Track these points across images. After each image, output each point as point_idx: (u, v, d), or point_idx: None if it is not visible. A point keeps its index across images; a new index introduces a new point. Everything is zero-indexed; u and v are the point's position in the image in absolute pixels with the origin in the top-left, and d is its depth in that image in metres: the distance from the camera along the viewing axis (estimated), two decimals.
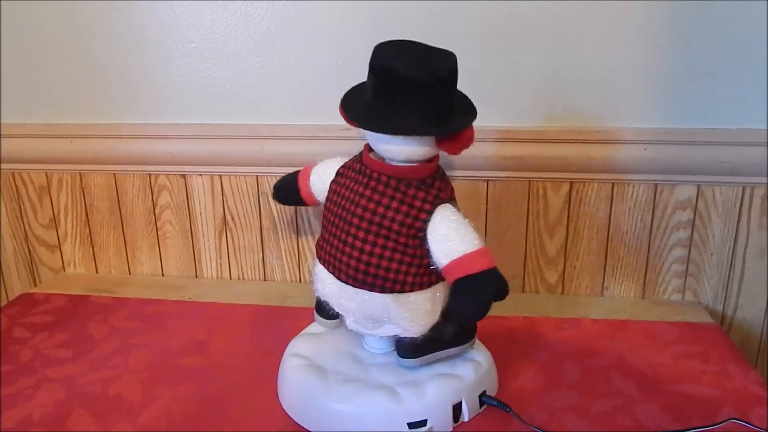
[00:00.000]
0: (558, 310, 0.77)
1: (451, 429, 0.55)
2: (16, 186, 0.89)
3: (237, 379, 0.63)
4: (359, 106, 0.51)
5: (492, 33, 0.74)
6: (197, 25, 0.79)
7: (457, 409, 0.55)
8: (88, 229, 0.90)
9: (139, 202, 0.87)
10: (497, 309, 0.76)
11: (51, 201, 0.89)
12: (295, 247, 0.86)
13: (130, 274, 0.91)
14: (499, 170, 0.77)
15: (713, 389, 0.61)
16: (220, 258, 0.88)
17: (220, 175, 0.84)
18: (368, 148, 0.54)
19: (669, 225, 0.78)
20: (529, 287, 0.83)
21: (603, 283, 0.81)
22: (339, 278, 0.54)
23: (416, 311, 0.54)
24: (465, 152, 0.76)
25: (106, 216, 0.88)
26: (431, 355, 0.56)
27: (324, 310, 0.58)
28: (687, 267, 0.79)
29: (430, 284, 0.53)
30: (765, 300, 0.79)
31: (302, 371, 0.57)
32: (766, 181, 0.74)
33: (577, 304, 0.79)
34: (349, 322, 0.57)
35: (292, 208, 0.84)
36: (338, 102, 0.54)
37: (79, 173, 0.87)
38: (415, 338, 0.55)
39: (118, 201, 0.87)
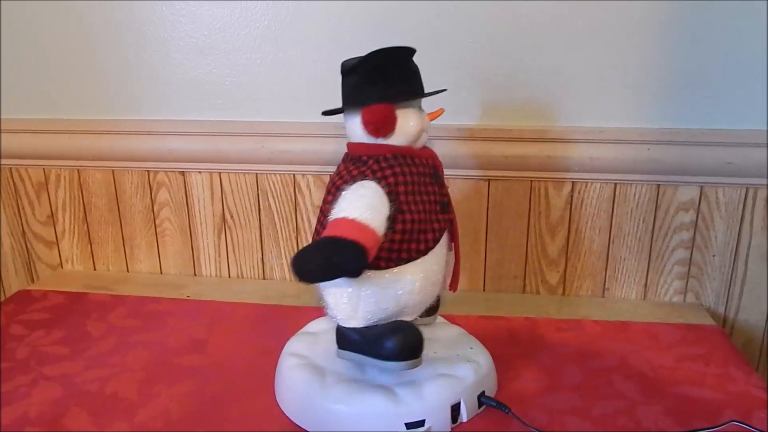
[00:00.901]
0: (559, 311, 0.77)
1: (450, 429, 0.55)
2: (13, 182, 0.88)
3: (235, 378, 0.63)
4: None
5: (494, 32, 0.73)
6: (197, 21, 0.78)
7: (455, 409, 0.55)
8: (86, 226, 0.89)
9: (137, 199, 0.86)
10: (498, 309, 0.77)
11: (49, 197, 0.88)
12: (295, 245, 0.85)
13: (128, 271, 0.90)
14: (500, 170, 0.77)
15: (715, 392, 0.60)
16: (219, 256, 0.87)
17: (220, 173, 0.83)
18: None
19: (671, 226, 0.77)
20: (530, 288, 0.82)
21: (604, 284, 0.81)
22: None
23: (334, 296, 0.52)
24: (466, 151, 0.76)
25: (104, 213, 0.88)
26: (353, 353, 0.54)
27: None
28: (689, 269, 0.79)
29: (394, 263, 0.51)
30: (767, 302, 0.78)
31: (300, 371, 0.57)
32: None
33: (578, 305, 0.79)
34: None
35: (291, 206, 0.83)
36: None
37: (77, 169, 0.86)
38: (348, 330, 0.53)
39: (117, 198, 0.87)
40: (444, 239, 0.55)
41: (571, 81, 0.74)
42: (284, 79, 0.79)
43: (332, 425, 0.53)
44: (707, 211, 0.76)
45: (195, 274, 0.89)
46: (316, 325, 0.65)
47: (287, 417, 0.56)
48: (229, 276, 0.88)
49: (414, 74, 0.54)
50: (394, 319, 0.53)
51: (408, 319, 0.55)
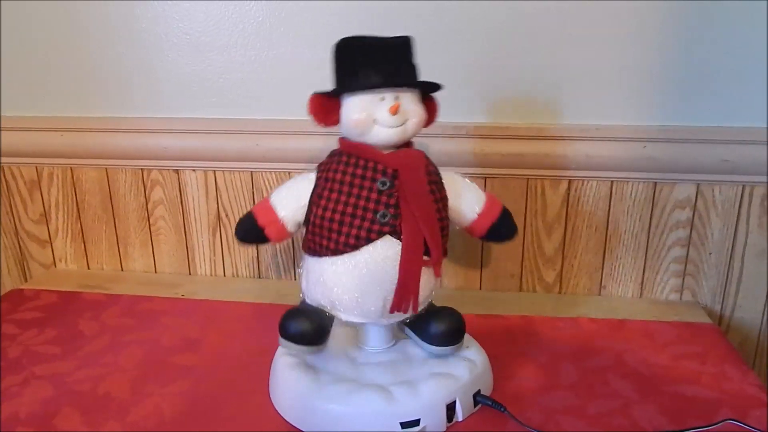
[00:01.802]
0: (555, 310, 0.76)
1: (445, 429, 0.54)
2: (5, 180, 0.88)
3: (230, 377, 0.62)
4: None
5: (492, 30, 0.73)
6: (191, 18, 0.78)
7: (451, 408, 0.54)
8: (79, 225, 0.89)
9: (131, 197, 0.86)
10: (494, 308, 0.77)
11: (42, 196, 0.88)
12: (290, 244, 0.85)
13: (122, 270, 0.90)
14: (497, 168, 0.77)
15: (711, 390, 0.60)
16: (214, 255, 0.87)
17: (214, 171, 0.83)
18: None
19: (668, 224, 0.77)
20: (526, 286, 0.82)
21: (601, 282, 0.81)
22: None
23: (306, 274, 0.57)
24: (462, 148, 0.76)
25: (97, 211, 0.87)
26: None
27: None
28: (685, 266, 0.78)
29: (313, 253, 0.56)
30: (763, 301, 0.78)
31: (294, 370, 0.57)
32: (766, 181, 0.73)
33: (574, 303, 0.79)
34: None
35: None
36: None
37: (71, 167, 0.86)
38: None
39: (110, 196, 0.86)
40: (393, 251, 0.53)
41: (568, 79, 0.74)
42: (279, 76, 0.78)
43: (327, 425, 0.53)
44: (704, 209, 0.76)
45: (190, 273, 0.88)
46: None
47: (282, 417, 0.56)
48: (224, 275, 0.87)
49: (376, 64, 0.52)
50: (330, 313, 0.56)
51: (344, 317, 0.56)
